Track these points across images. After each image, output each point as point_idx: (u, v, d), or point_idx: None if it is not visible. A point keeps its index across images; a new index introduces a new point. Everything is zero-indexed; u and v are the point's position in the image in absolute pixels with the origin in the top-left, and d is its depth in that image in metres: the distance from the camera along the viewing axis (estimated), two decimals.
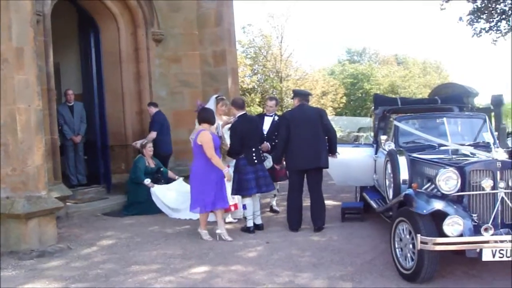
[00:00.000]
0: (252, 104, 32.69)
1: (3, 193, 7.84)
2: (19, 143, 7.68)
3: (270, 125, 10.06)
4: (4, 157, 7.80)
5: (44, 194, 7.95)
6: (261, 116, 10.34)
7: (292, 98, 9.16)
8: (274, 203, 10.35)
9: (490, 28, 18.20)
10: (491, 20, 17.91)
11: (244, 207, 8.76)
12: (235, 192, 8.67)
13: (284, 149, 8.62)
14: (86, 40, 12.37)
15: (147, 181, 10.57)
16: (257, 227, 8.71)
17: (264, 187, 8.80)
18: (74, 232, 9.08)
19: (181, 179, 10.96)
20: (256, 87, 36.28)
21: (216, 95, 10.18)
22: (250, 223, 8.64)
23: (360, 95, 46.96)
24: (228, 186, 8.63)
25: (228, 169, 8.31)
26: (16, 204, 7.65)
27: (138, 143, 11.26)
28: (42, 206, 7.79)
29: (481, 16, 17.88)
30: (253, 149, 8.65)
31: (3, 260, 7.39)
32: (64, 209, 9.54)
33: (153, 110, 11.62)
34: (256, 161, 8.64)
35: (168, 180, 11.04)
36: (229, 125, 9.04)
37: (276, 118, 10.21)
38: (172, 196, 10.51)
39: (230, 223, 9.37)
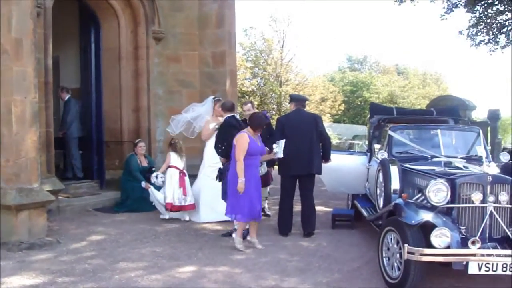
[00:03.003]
0: None
1: None
2: (13, 134, 7.67)
3: None
4: None
5: (36, 186, 7.95)
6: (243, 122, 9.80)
7: (289, 103, 9.15)
8: (266, 205, 10.34)
9: (489, 41, 18.33)
10: (490, 33, 18.04)
11: None
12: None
13: None
14: (86, 36, 12.39)
15: (143, 183, 10.57)
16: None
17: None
18: (64, 226, 9.10)
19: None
20: (255, 90, 36.27)
21: (213, 96, 10.21)
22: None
23: (359, 103, 46.90)
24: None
25: (243, 180, 7.39)
26: (7, 196, 7.65)
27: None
28: (33, 198, 7.79)
29: (481, 30, 18.02)
30: None
31: None
32: (56, 203, 9.54)
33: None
34: None
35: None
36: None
37: None
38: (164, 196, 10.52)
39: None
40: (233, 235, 7.88)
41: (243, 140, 7.41)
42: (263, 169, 9.06)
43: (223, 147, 8.34)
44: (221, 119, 9.35)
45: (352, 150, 12.04)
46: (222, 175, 8.41)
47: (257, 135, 7.68)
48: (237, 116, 9.23)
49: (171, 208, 9.72)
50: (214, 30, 12.91)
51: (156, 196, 10.35)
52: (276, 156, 8.25)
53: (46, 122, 9.64)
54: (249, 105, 10.16)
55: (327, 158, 8.67)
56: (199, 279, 6.29)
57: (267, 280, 6.28)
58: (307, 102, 9.40)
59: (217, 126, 9.16)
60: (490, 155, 8.18)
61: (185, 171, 10.11)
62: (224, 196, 8.36)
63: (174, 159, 10.11)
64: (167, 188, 9.79)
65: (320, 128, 8.59)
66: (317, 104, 36.65)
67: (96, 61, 12.27)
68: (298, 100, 8.95)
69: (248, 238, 7.96)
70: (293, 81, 36.74)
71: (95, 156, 12.30)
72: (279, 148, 8.11)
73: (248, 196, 7.47)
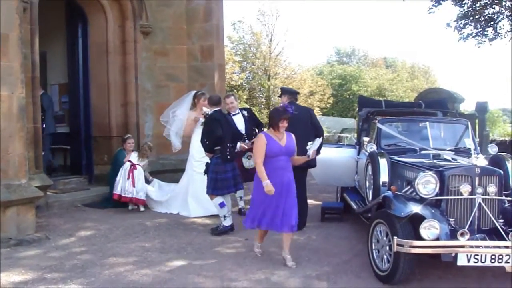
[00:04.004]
0: (239, 101, 32.73)
1: None
2: (0, 130, 7.61)
3: (244, 123, 9.74)
4: None
5: (24, 182, 7.89)
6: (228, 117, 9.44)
7: (280, 96, 9.04)
8: (242, 204, 9.90)
9: (477, 34, 18.36)
10: (478, 26, 18.08)
11: (222, 204, 8.35)
12: (211, 191, 8.33)
13: None
14: (73, 31, 12.32)
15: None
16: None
17: (240, 185, 8.73)
18: (53, 222, 9.05)
19: (155, 180, 10.93)
20: (244, 84, 36.30)
21: (196, 91, 10.16)
22: (227, 222, 8.31)
23: (347, 96, 47.03)
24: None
25: (268, 182, 6.54)
26: None
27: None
28: (21, 194, 7.73)
29: (469, 22, 18.06)
30: (227, 146, 8.30)
31: None
32: (44, 199, 9.50)
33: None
34: (229, 157, 8.30)
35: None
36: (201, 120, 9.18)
37: (245, 112, 9.97)
38: (154, 189, 10.52)
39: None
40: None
41: (258, 142, 6.80)
42: (252, 162, 9.02)
43: (207, 142, 8.32)
44: (203, 111, 9.22)
45: (341, 143, 12.06)
46: (208, 169, 8.40)
47: (282, 133, 6.82)
48: (224, 111, 9.18)
49: (119, 198, 9.99)
50: (202, 24, 12.90)
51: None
52: (309, 158, 7.02)
53: (33, 118, 9.54)
54: (232, 97, 9.93)
55: (319, 151, 8.62)
56: (188, 273, 6.28)
57: (256, 274, 6.28)
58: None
59: (202, 120, 9.12)
60: (478, 147, 8.19)
61: (138, 166, 10.27)
62: (209, 190, 8.36)
63: (133, 157, 10.41)
64: (117, 179, 10.11)
65: (314, 120, 8.56)
66: (306, 98, 36.72)
67: (84, 56, 12.22)
68: (291, 93, 8.85)
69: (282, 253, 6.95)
70: (281, 75, 36.79)
71: (83, 151, 12.26)
72: (312, 148, 6.95)
73: (263, 202, 6.73)
